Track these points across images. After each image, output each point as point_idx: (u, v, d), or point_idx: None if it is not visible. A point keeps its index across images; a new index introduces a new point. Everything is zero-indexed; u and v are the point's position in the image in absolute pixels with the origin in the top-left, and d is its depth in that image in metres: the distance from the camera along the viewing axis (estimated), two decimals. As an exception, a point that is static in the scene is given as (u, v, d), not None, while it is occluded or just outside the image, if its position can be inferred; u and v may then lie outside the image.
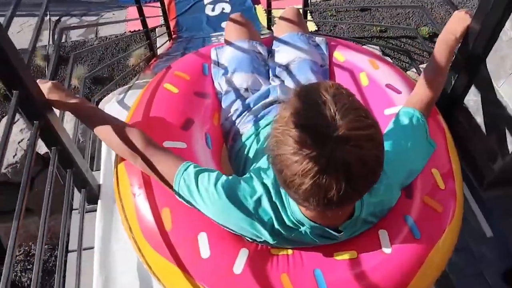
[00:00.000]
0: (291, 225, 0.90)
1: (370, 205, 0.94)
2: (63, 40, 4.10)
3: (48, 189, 1.12)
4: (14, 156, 3.51)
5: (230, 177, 0.97)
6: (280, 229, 0.92)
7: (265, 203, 0.91)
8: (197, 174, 0.97)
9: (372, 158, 0.68)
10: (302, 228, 0.90)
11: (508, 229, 1.40)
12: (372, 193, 0.92)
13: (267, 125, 1.30)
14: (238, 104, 1.40)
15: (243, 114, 1.38)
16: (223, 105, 1.43)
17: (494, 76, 1.31)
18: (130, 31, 4.09)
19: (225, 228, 1.00)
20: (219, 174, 0.98)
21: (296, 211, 0.88)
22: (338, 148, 0.65)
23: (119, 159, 1.20)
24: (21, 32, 4.02)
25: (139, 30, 3.55)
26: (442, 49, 1.24)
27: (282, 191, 0.91)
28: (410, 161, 1.05)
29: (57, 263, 1.20)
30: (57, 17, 4.30)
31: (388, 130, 1.10)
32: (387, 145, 1.02)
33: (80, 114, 1.16)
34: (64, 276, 1.38)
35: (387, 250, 1.00)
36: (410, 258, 1.00)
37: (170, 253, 1.02)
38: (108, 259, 1.36)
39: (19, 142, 3.54)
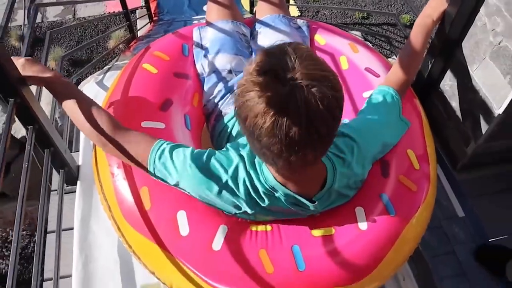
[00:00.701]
0: (265, 191, 0.93)
1: (343, 176, 0.97)
2: (39, 21, 4.01)
3: (26, 166, 1.12)
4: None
5: (206, 150, 0.99)
6: (256, 198, 0.95)
7: (241, 172, 0.94)
8: (171, 150, 0.98)
9: (330, 98, 0.71)
10: (276, 194, 0.93)
11: (479, 210, 1.47)
12: (344, 163, 0.97)
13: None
14: (221, 86, 1.41)
15: (226, 96, 1.39)
16: (206, 87, 1.43)
17: (468, 61, 1.35)
18: (109, 12, 4.03)
19: (205, 203, 1.02)
20: (193, 148, 0.99)
21: (269, 177, 0.91)
22: (296, 87, 0.69)
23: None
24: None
25: (118, 11, 3.50)
26: (419, 31, 1.27)
27: (256, 160, 0.94)
28: (383, 134, 1.09)
29: (36, 244, 1.20)
30: (33, -4, 4.21)
31: (364, 106, 1.14)
32: (360, 119, 1.07)
33: (55, 89, 1.13)
34: (43, 258, 1.38)
35: (363, 226, 1.05)
36: (385, 234, 1.05)
37: (150, 231, 1.04)
38: (88, 239, 1.37)
39: (-6, 125, 3.48)
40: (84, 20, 4.02)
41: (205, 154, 0.97)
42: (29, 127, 1.20)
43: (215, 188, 0.95)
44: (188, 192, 1.00)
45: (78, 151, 1.58)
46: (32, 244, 3.65)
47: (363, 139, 1.01)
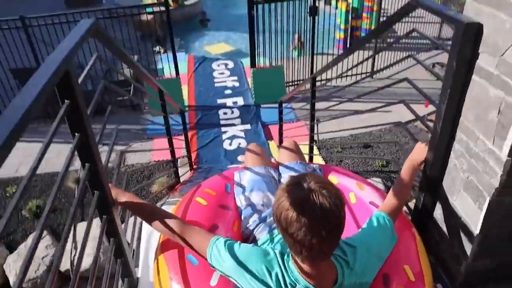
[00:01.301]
0: (291, 282, 1.31)
1: (350, 276, 1.34)
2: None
3: (107, 270, 1.54)
4: (36, 271, 3.88)
5: (251, 245, 1.43)
6: (282, 286, 1.32)
7: (275, 265, 1.34)
8: (225, 243, 1.43)
9: (335, 198, 1.13)
10: (298, 287, 1.30)
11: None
12: (349, 265, 1.35)
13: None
14: (255, 217, 1.89)
15: (260, 225, 1.85)
16: (243, 217, 1.92)
17: (449, 193, 1.79)
18: (155, 161, 4.76)
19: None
20: (240, 242, 1.44)
21: (294, 271, 1.30)
22: (312, 190, 1.13)
23: (158, 253, 1.65)
24: (59, 155, 4.70)
25: (165, 159, 4.18)
26: (407, 172, 1.79)
27: (285, 257, 1.35)
28: (376, 247, 1.48)
29: None
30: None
31: (363, 226, 1.57)
32: (361, 234, 1.53)
33: (133, 206, 1.65)
34: None
35: None
36: None
37: None
38: None
39: (42, 258, 3.95)
40: (133, 166, 4.75)
41: (250, 248, 1.41)
42: (111, 238, 1.66)
43: (253, 275, 1.34)
44: (232, 277, 1.40)
45: (137, 266, 2.00)
46: None
47: (362, 248, 1.42)
